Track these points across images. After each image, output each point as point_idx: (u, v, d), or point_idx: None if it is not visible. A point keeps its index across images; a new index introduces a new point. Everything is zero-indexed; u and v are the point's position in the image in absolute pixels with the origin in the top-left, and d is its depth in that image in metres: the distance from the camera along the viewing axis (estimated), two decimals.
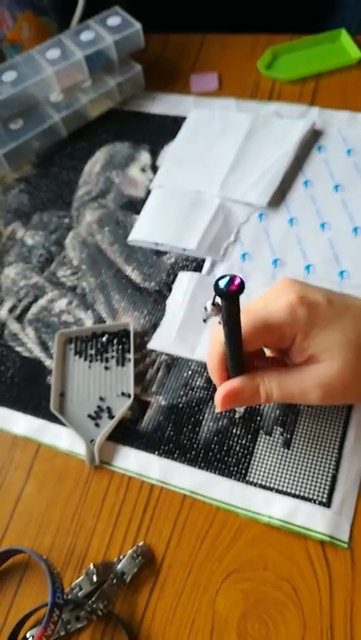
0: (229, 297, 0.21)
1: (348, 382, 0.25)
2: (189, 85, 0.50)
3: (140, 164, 0.46)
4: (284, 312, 0.25)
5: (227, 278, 0.20)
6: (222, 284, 0.20)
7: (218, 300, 0.21)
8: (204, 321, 0.23)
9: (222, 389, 0.27)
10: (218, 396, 0.27)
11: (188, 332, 0.36)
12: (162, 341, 0.36)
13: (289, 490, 0.30)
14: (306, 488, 0.30)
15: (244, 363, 0.26)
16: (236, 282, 0.20)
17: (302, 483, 0.30)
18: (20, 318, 0.40)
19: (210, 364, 0.27)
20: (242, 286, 0.20)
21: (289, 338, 0.25)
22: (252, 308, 0.26)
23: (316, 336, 0.25)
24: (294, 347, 0.25)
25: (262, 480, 0.30)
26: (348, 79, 0.47)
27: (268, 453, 0.31)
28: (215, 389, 0.28)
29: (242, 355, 0.25)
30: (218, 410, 0.27)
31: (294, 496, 0.30)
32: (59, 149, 0.48)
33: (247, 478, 0.31)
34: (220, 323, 0.23)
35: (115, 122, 0.49)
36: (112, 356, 0.36)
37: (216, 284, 0.20)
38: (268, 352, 0.30)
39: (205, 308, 0.22)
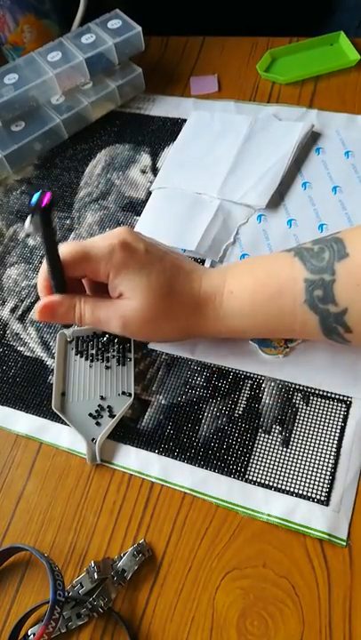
0: (41, 212, 0.23)
1: (144, 320, 0.29)
2: (189, 88, 0.50)
3: (140, 166, 0.46)
4: (104, 249, 0.29)
5: (37, 194, 0.23)
6: (33, 199, 0.23)
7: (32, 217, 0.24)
8: (27, 236, 0.27)
9: (44, 300, 0.30)
10: (37, 307, 0.31)
11: None
12: None
13: (288, 488, 0.30)
14: (304, 486, 0.30)
15: (65, 284, 0.30)
16: (47, 198, 0.23)
17: (301, 481, 0.30)
18: (21, 318, 0.40)
19: (39, 280, 0.31)
20: (52, 202, 0.23)
21: (104, 274, 0.29)
22: (82, 241, 0.30)
23: (126, 276, 0.29)
24: (109, 283, 0.29)
25: (261, 478, 0.31)
26: (346, 81, 0.47)
27: (266, 452, 0.31)
28: None
29: (62, 275, 0.29)
30: (35, 317, 0.31)
31: (293, 494, 0.30)
32: (60, 151, 0.49)
33: (246, 476, 0.31)
34: (39, 238, 0.26)
35: (115, 124, 0.49)
36: (113, 356, 0.36)
37: (29, 202, 0.23)
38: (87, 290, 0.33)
39: (24, 224, 0.25)
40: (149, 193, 0.44)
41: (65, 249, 0.29)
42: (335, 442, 0.31)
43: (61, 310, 0.30)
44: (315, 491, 0.30)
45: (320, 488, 0.30)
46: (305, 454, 0.31)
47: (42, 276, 0.31)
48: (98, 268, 0.29)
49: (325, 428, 0.32)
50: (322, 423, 0.32)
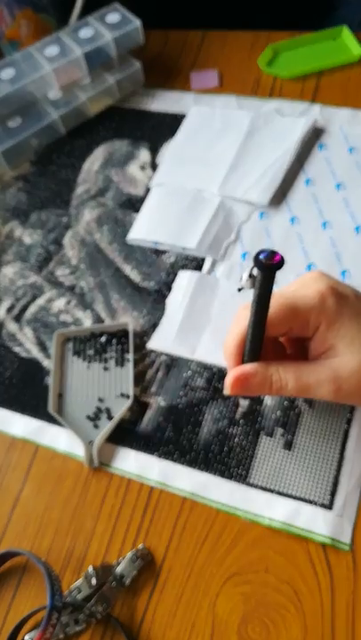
0: (267, 270, 0.21)
1: None
2: (189, 83, 0.49)
3: (139, 162, 0.45)
4: (313, 298, 0.25)
5: (268, 251, 0.20)
6: (263, 255, 0.20)
7: (255, 271, 0.21)
8: (239, 290, 0.23)
9: (235, 372, 0.26)
10: (229, 378, 0.26)
11: (187, 332, 0.36)
12: (161, 341, 0.36)
13: (290, 492, 0.30)
14: (307, 490, 0.30)
15: (260, 349, 0.26)
16: (277, 257, 0.20)
17: (304, 484, 0.30)
18: (17, 318, 0.39)
19: (227, 345, 0.26)
20: (282, 262, 0.20)
21: (313, 325, 0.25)
22: (282, 291, 0.26)
23: (341, 327, 0.24)
24: (317, 335, 0.25)
25: (263, 482, 0.30)
26: (349, 76, 0.46)
27: (269, 455, 0.31)
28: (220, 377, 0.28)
29: (262, 338, 0.25)
30: (227, 392, 0.26)
31: (296, 498, 0.29)
32: (57, 147, 0.48)
33: (248, 480, 0.30)
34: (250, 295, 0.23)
35: (114, 119, 0.49)
36: (111, 357, 0.36)
37: (256, 256, 0.20)
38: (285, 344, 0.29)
39: (241, 278, 0.22)
40: (148, 189, 0.43)
41: (271, 304, 0.24)
42: (339, 445, 0.30)
43: (257, 381, 0.26)
44: (318, 494, 0.29)
45: (323, 492, 0.29)
46: (308, 457, 0.30)
47: (234, 341, 0.26)
48: (307, 321, 0.25)
49: (329, 430, 0.31)
50: (325, 426, 0.31)
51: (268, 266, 0.20)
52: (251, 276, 0.22)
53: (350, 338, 0.24)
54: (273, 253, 0.20)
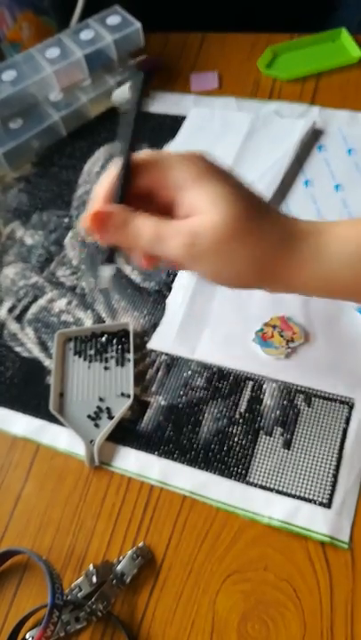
0: (139, 76, 0.22)
1: (219, 239, 0.22)
2: (189, 84, 0.50)
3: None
4: (181, 156, 0.23)
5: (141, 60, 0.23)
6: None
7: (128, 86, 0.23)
8: (119, 107, 0.24)
9: (96, 206, 0.23)
10: (89, 214, 0.23)
11: (188, 331, 0.36)
12: (162, 341, 0.36)
13: (289, 490, 0.30)
14: (306, 489, 0.30)
15: (126, 196, 0.24)
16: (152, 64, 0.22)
17: (303, 483, 0.30)
18: (19, 318, 0.39)
19: (99, 186, 0.24)
20: (154, 63, 0.22)
21: (180, 179, 0.23)
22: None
23: (208, 183, 0.22)
24: (179, 198, 0.23)
25: (263, 481, 0.30)
26: (348, 78, 0.47)
27: (268, 454, 0.31)
28: None
29: (128, 182, 0.24)
30: (84, 225, 0.24)
31: (295, 497, 0.30)
32: (58, 149, 0.48)
33: (247, 479, 0.31)
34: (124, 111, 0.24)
35: (114, 121, 0.49)
36: (112, 356, 0.36)
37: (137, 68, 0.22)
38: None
39: (113, 93, 0.23)
40: None
41: (140, 153, 0.23)
42: (337, 443, 0.31)
43: (117, 221, 0.23)
44: (317, 493, 0.30)
45: (322, 490, 0.30)
46: (307, 456, 0.31)
47: (104, 182, 0.24)
48: (170, 176, 0.23)
49: (328, 429, 0.31)
50: (324, 425, 0.31)
51: (143, 72, 0.22)
52: (129, 86, 0.23)
53: (215, 195, 0.22)
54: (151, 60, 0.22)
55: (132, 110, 0.23)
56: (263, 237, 0.23)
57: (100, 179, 0.25)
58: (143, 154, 0.23)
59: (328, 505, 0.29)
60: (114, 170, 0.24)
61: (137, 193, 0.24)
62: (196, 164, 0.23)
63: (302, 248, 0.23)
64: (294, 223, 0.24)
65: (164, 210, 0.24)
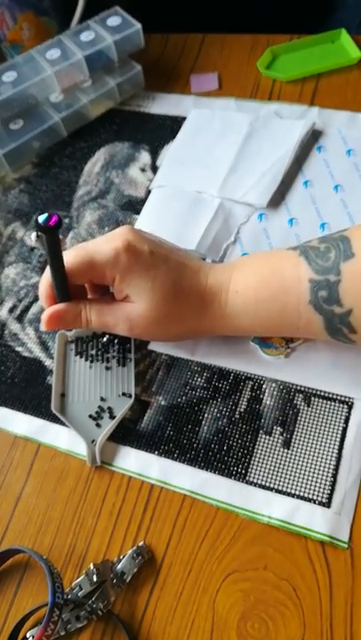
0: (48, 231, 0.25)
1: (151, 322, 0.29)
2: (189, 85, 0.50)
3: (139, 164, 0.46)
4: (108, 254, 0.28)
5: (45, 215, 0.24)
6: (41, 219, 0.24)
7: (37, 234, 0.26)
8: (32, 250, 0.28)
9: (49, 310, 0.30)
10: (43, 317, 0.31)
11: None
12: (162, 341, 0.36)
13: (289, 490, 0.30)
14: (306, 488, 0.30)
15: (68, 292, 0.30)
16: (54, 219, 0.24)
17: (302, 483, 0.30)
18: (20, 318, 0.40)
19: (40, 289, 0.31)
20: (59, 224, 0.24)
21: (109, 278, 0.29)
22: (86, 245, 0.30)
23: (132, 280, 0.28)
24: (114, 285, 0.29)
25: (262, 480, 0.30)
26: (348, 79, 0.47)
27: (267, 453, 0.31)
28: None
29: (66, 284, 0.29)
30: (43, 328, 0.31)
31: (294, 496, 0.30)
32: (59, 149, 0.48)
33: (247, 478, 0.31)
34: (43, 253, 0.28)
35: (115, 122, 0.49)
36: (113, 357, 0.36)
37: (36, 220, 0.24)
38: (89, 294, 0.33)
39: (30, 238, 0.26)
40: (149, 191, 0.44)
41: (69, 258, 0.29)
42: (337, 443, 0.31)
43: (68, 318, 0.30)
44: (316, 492, 0.30)
45: (322, 490, 0.30)
46: (306, 456, 0.31)
47: (44, 285, 0.31)
48: (103, 274, 0.29)
49: (327, 429, 0.31)
50: (323, 424, 0.31)
51: (47, 228, 0.24)
52: (38, 236, 0.26)
53: (140, 289, 0.28)
54: (50, 216, 0.24)
55: (52, 258, 0.28)
56: (184, 313, 0.30)
57: (43, 276, 0.31)
58: (72, 257, 0.29)
59: (327, 504, 0.29)
60: (47, 276, 0.30)
61: (75, 285, 0.30)
62: (123, 262, 0.28)
63: (213, 310, 0.30)
64: (205, 288, 0.30)
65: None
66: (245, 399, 0.33)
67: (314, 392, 0.33)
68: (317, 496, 0.30)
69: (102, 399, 0.35)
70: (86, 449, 0.32)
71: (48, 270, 0.29)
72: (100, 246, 0.29)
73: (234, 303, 0.29)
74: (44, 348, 0.38)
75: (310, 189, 0.41)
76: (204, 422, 0.33)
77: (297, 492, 0.30)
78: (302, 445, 0.31)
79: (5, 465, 0.34)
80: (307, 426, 0.32)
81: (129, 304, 0.29)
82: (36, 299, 0.40)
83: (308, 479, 0.30)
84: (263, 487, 0.30)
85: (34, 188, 0.47)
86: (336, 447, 0.31)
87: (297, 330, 0.30)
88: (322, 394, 0.32)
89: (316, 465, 0.30)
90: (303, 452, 0.31)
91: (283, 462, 0.31)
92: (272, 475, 0.31)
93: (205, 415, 0.33)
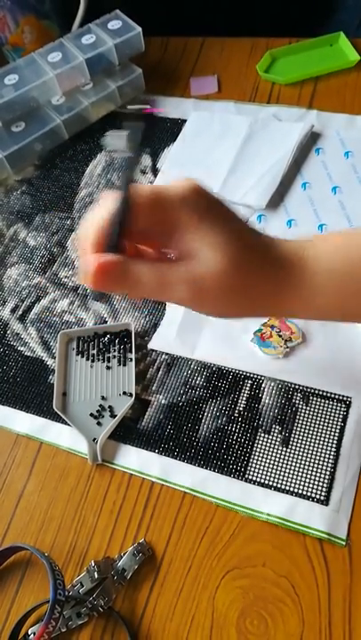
0: (142, 120, 0.23)
1: (224, 287, 0.22)
2: (189, 88, 0.50)
3: (140, 167, 0.46)
4: (184, 189, 0.22)
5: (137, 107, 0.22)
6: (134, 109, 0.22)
7: (124, 133, 0.22)
8: (111, 153, 0.22)
9: (95, 261, 0.22)
10: (90, 269, 0.22)
11: (187, 331, 0.36)
12: (162, 341, 0.36)
13: (287, 487, 0.30)
14: (304, 486, 0.30)
15: (123, 239, 0.22)
16: (148, 110, 0.21)
17: (300, 480, 0.30)
18: (22, 318, 0.40)
19: (86, 231, 0.22)
20: (153, 117, 0.21)
21: (179, 221, 0.22)
22: (152, 185, 0.23)
23: (206, 229, 0.22)
24: (179, 235, 0.22)
25: (261, 478, 0.31)
26: (346, 82, 0.47)
27: (266, 451, 0.32)
28: None
29: (126, 226, 0.22)
30: (87, 282, 0.22)
31: (293, 494, 0.30)
32: (60, 152, 0.49)
33: (246, 476, 0.31)
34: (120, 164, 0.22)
35: (115, 124, 0.49)
36: (114, 356, 0.36)
37: (128, 110, 0.21)
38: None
39: (112, 137, 0.22)
40: None
41: (135, 190, 0.22)
42: (335, 441, 0.31)
43: (117, 273, 0.22)
44: (314, 490, 0.30)
45: (320, 488, 0.30)
46: (305, 454, 0.31)
47: (94, 227, 0.22)
48: (172, 217, 0.22)
49: (325, 427, 0.32)
50: (321, 423, 0.32)
51: (143, 115, 0.22)
52: (125, 128, 0.22)
53: (215, 244, 0.22)
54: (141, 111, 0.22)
55: (133, 158, 0.23)
56: (260, 280, 0.23)
57: (89, 217, 0.23)
58: (143, 192, 0.22)
59: (326, 502, 0.30)
60: (104, 209, 0.22)
61: (131, 231, 0.23)
62: (198, 204, 0.22)
63: (295, 283, 0.24)
64: (285, 255, 0.24)
65: (156, 244, 0.24)
66: (244, 398, 0.33)
67: (312, 391, 0.33)
68: (316, 494, 0.30)
69: (103, 398, 0.35)
70: (87, 447, 0.33)
71: (97, 212, 0.22)
72: (171, 184, 0.22)
73: (320, 281, 0.23)
74: (46, 347, 0.38)
75: (309, 191, 0.41)
76: (203, 421, 0.33)
77: (295, 490, 0.30)
78: (301, 444, 0.31)
79: (7, 463, 0.34)
80: (305, 424, 0.32)
81: (196, 262, 0.22)
82: (37, 299, 0.41)
83: (306, 477, 0.30)
84: (262, 485, 0.31)
85: (36, 190, 0.47)
86: (334, 445, 0.31)
87: None
88: (320, 393, 0.33)
89: (314, 463, 0.31)
90: (302, 450, 0.31)
91: (281, 460, 0.31)
92: (271, 472, 0.31)
93: (205, 414, 0.33)
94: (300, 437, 0.32)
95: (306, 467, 0.31)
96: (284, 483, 0.30)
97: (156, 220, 0.22)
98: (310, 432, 0.32)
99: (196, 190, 0.22)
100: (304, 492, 0.30)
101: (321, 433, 0.31)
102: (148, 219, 0.22)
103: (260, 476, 0.31)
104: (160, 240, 0.23)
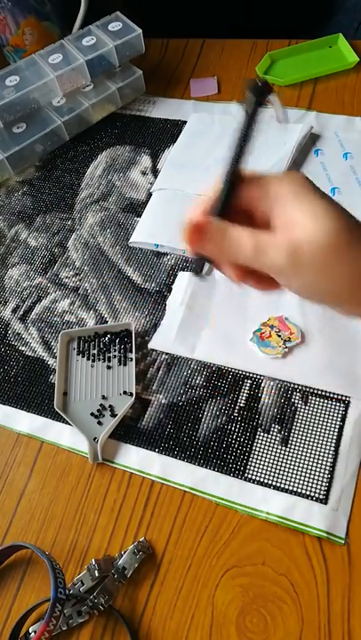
0: (263, 89, 0.22)
1: (323, 247, 0.22)
2: (189, 90, 0.50)
3: (140, 168, 0.46)
4: (282, 174, 0.23)
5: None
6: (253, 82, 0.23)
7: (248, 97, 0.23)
8: (246, 111, 0.23)
9: (195, 219, 0.23)
10: (189, 225, 0.23)
11: (187, 331, 0.37)
12: (162, 341, 0.37)
13: (287, 486, 0.30)
14: (303, 485, 0.30)
15: (228, 210, 0.24)
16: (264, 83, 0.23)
17: (300, 479, 0.31)
18: (23, 318, 0.40)
19: (199, 201, 0.24)
20: (269, 87, 0.23)
21: (278, 193, 0.23)
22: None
23: (305, 200, 0.22)
24: (280, 206, 0.23)
25: (260, 477, 0.31)
26: (345, 83, 0.47)
27: (265, 451, 0.32)
28: None
29: (232, 194, 0.23)
30: (184, 239, 0.24)
31: (292, 493, 0.30)
32: (61, 153, 0.49)
33: (245, 475, 0.31)
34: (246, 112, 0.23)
35: (116, 126, 0.50)
36: (114, 356, 0.37)
37: (248, 80, 0.23)
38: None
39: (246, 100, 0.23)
40: (150, 194, 0.44)
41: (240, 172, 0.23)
42: (334, 441, 0.31)
43: (215, 232, 0.23)
44: (313, 489, 0.30)
45: (319, 486, 0.30)
46: (304, 453, 0.31)
47: (203, 199, 0.24)
48: (270, 190, 0.23)
49: (324, 427, 0.32)
50: (320, 422, 0.32)
51: (264, 85, 0.23)
52: (252, 92, 0.23)
53: (314, 212, 0.22)
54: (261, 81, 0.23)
55: (247, 123, 0.23)
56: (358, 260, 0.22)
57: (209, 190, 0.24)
58: (245, 171, 0.23)
59: (325, 501, 0.30)
60: (217, 182, 0.24)
61: (234, 207, 0.24)
62: (295, 180, 0.23)
63: None
64: None
65: (258, 226, 0.24)
66: (244, 397, 0.34)
67: (311, 391, 0.33)
68: (315, 493, 0.30)
69: (104, 397, 0.35)
70: (88, 446, 0.33)
71: (216, 182, 0.23)
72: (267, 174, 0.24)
73: None
74: (47, 347, 0.38)
75: None
76: (203, 420, 0.33)
77: (295, 489, 0.30)
78: (300, 443, 0.31)
79: (9, 462, 0.34)
80: (304, 424, 0.32)
81: (295, 229, 0.22)
82: (38, 299, 0.41)
83: (305, 476, 0.31)
84: (261, 484, 0.31)
85: (37, 191, 0.47)
86: (333, 445, 0.31)
87: None
88: (319, 392, 0.33)
89: (313, 462, 0.31)
90: (301, 449, 0.31)
91: (281, 459, 0.31)
92: (270, 472, 0.31)
93: (205, 413, 0.34)
94: (300, 437, 0.32)
95: (305, 466, 0.31)
96: (284, 482, 0.31)
97: (255, 193, 0.23)
98: (309, 431, 0.32)
99: (294, 172, 0.24)
100: (303, 491, 0.30)
101: (320, 432, 0.32)
102: (246, 192, 0.23)
103: (259, 475, 0.31)
104: (258, 219, 0.24)
